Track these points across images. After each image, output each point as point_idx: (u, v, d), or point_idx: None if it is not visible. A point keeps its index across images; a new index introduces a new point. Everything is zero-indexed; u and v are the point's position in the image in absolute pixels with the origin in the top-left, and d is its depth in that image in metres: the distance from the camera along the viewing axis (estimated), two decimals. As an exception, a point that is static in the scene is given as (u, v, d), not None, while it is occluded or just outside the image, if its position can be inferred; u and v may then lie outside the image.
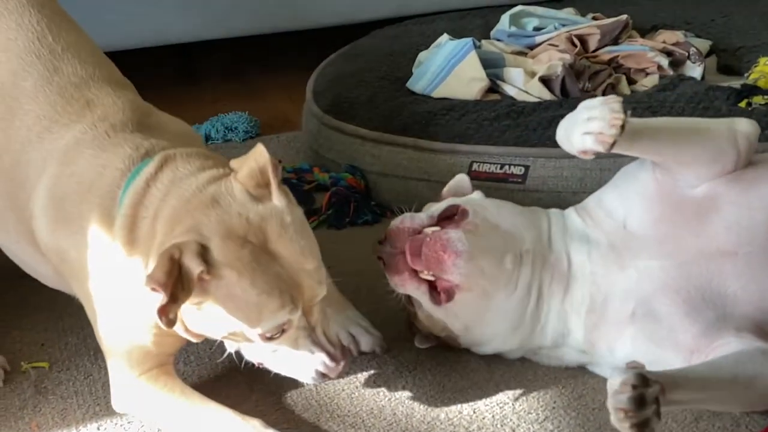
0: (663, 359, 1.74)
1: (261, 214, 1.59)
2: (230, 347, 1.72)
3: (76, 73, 1.85)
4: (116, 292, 1.71)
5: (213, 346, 1.90)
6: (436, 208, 1.92)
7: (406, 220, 1.86)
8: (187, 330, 1.65)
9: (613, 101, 1.64)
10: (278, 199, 1.60)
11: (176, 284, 1.49)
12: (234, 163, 1.67)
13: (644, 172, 1.81)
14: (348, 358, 1.73)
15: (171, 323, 1.51)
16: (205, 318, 1.61)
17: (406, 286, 1.83)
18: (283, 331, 1.62)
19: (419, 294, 1.84)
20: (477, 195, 2.00)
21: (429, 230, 1.83)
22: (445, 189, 2.06)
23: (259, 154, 1.61)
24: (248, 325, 1.59)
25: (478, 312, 1.84)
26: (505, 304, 1.83)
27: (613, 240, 1.81)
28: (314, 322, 1.66)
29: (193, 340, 1.69)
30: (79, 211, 1.71)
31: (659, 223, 1.78)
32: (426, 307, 1.85)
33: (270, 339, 1.62)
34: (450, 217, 1.88)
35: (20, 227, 1.84)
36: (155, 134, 1.78)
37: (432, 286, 1.83)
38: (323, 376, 1.68)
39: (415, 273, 1.82)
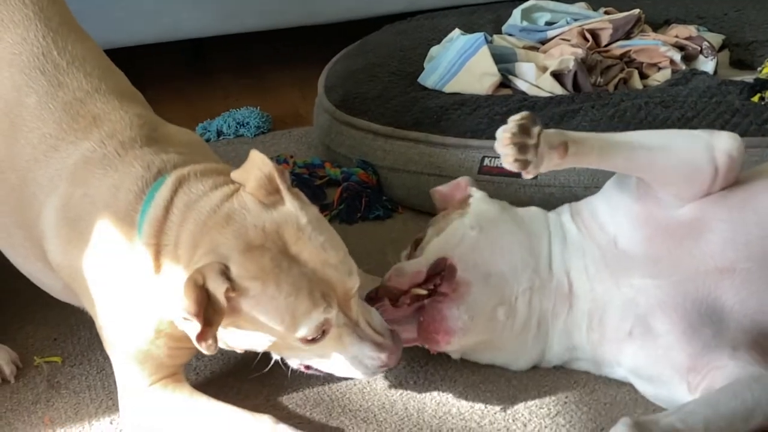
0: (662, 376, 1.74)
1: (276, 220, 1.59)
2: (275, 355, 1.71)
3: (81, 87, 1.82)
4: (134, 311, 1.71)
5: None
6: (424, 260, 1.84)
7: (393, 278, 1.81)
8: (230, 347, 1.66)
9: (512, 119, 1.64)
10: (291, 202, 1.60)
11: (207, 309, 1.51)
12: (236, 175, 1.66)
13: (628, 190, 1.79)
14: (401, 342, 1.70)
15: (212, 348, 1.53)
16: (245, 335, 1.61)
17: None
18: (324, 333, 1.61)
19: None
20: (478, 195, 1.98)
21: (419, 290, 1.81)
22: (441, 188, 2.07)
23: (262, 163, 1.61)
24: (286, 332, 1.58)
25: (475, 352, 1.87)
26: (503, 341, 1.83)
27: (606, 256, 1.79)
28: (355, 316, 1.65)
29: (239, 351, 1.69)
30: (96, 233, 1.70)
31: (650, 243, 1.75)
32: None
33: (313, 341, 1.61)
34: (438, 272, 1.82)
35: (28, 243, 1.83)
36: (164, 147, 1.76)
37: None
38: (381, 367, 1.67)
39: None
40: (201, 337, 1.51)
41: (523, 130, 1.63)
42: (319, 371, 1.72)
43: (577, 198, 1.99)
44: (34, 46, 1.84)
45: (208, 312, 1.51)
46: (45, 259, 1.81)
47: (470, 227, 1.88)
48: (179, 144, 1.81)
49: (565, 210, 1.92)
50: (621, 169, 1.78)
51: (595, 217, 1.84)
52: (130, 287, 1.69)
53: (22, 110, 1.81)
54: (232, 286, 1.53)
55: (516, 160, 1.63)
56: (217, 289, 1.51)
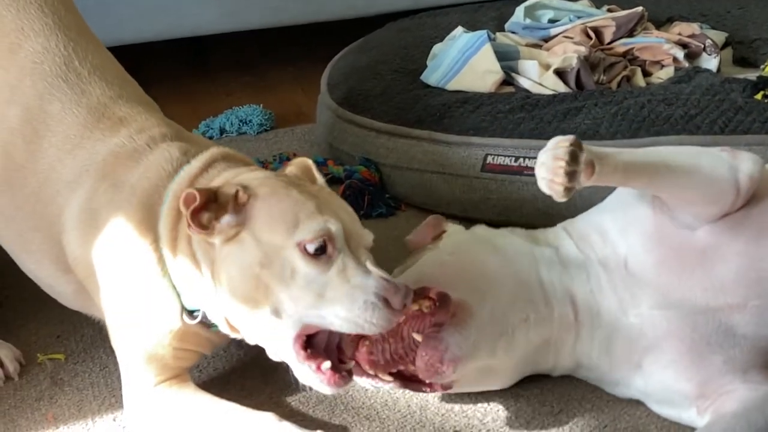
0: (672, 401, 1.73)
1: (300, 178, 1.71)
2: (274, 355, 1.66)
3: (104, 94, 1.84)
4: (142, 300, 1.72)
5: (230, 339, 1.91)
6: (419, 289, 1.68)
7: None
8: (229, 290, 1.60)
9: (561, 145, 1.52)
10: (322, 181, 1.73)
11: (211, 197, 1.56)
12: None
13: (643, 208, 1.73)
14: (411, 295, 1.56)
15: (202, 227, 1.56)
16: (240, 257, 1.57)
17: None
18: (324, 251, 1.55)
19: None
20: (453, 228, 1.92)
21: (416, 335, 1.67)
22: (412, 236, 1.97)
23: (302, 161, 1.77)
24: (286, 237, 1.55)
25: (476, 383, 1.80)
26: (503, 370, 1.78)
27: (614, 280, 1.74)
28: (364, 259, 1.59)
29: (232, 334, 1.68)
30: (115, 217, 1.71)
31: (661, 268, 1.70)
32: None
33: (314, 258, 1.54)
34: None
35: (45, 246, 1.83)
36: (195, 143, 1.82)
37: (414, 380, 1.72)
38: (387, 305, 1.52)
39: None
40: (195, 212, 1.55)
41: (573, 156, 1.52)
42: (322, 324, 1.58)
43: (580, 196, 1.97)
44: (56, 56, 1.86)
45: (211, 198, 1.56)
46: (59, 261, 1.81)
47: (447, 254, 1.82)
48: (206, 146, 1.83)
49: (558, 231, 1.85)
50: (642, 188, 1.72)
51: (603, 236, 1.78)
52: (143, 279, 1.70)
53: (45, 117, 1.82)
54: (244, 189, 1.58)
55: (566, 189, 1.52)
56: (229, 189, 1.58)
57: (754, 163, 1.68)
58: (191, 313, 1.71)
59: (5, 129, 1.84)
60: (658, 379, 1.73)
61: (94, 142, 1.78)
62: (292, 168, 1.76)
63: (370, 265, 1.58)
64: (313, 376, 1.59)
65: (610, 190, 1.84)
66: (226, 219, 1.58)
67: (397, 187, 2.57)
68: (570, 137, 1.53)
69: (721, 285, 1.68)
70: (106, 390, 1.93)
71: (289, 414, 1.79)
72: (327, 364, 1.59)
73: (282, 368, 1.75)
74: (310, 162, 1.77)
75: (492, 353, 1.72)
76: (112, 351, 2.02)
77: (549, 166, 1.52)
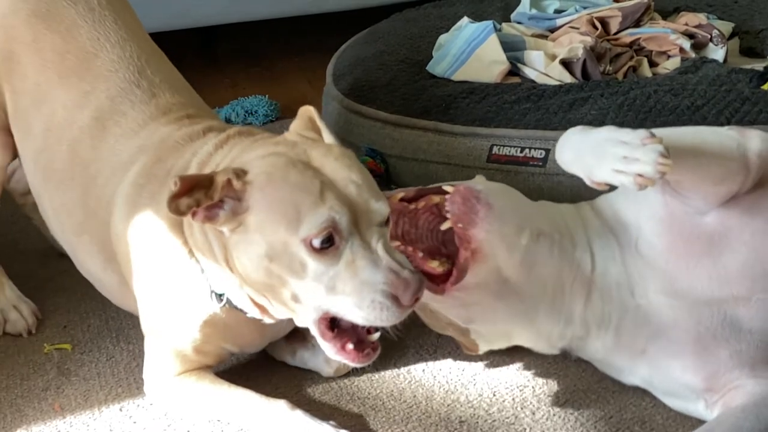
0: (678, 393, 1.73)
1: (306, 142, 1.62)
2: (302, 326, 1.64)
3: (173, 99, 1.90)
4: (172, 282, 1.72)
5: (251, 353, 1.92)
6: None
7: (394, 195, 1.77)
8: (244, 277, 1.60)
9: (655, 141, 1.51)
10: (328, 137, 1.66)
11: (198, 184, 1.51)
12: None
13: (653, 192, 1.71)
14: (423, 286, 1.53)
15: (176, 211, 1.51)
16: (251, 249, 1.55)
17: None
18: (331, 243, 1.51)
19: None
20: (479, 178, 1.95)
21: (448, 187, 1.73)
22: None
23: (305, 108, 1.70)
24: (290, 233, 1.51)
25: (487, 300, 1.75)
26: (515, 293, 1.74)
27: (626, 258, 1.74)
28: (373, 243, 1.53)
29: (260, 316, 1.66)
30: (153, 194, 1.73)
31: (670, 255, 1.70)
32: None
33: (321, 253, 1.51)
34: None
35: (97, 233, 1.85)
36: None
37: (432, 277, 1.72)
38: (395, 302, 1.50)
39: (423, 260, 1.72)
40: (173, 198, 1.50)
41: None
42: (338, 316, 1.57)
43: (585, 186, 1.98)
44: (131, 64, 1.92)
45: (196, 186, 1.51)
46: (106, 249, 1.83)
47: (477, 178, 1.87)
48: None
49: (584, 205, 1.86)
50: None
51: (617, 218, 1.78)
52: (172, 260, 1.70)
53: (114, 114, 1.87)
54: (238, 176, 1.53)
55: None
56: (221, 176, 1.53)
57: (762, 140, 1.65)
58: (220, 297, 1.70)
59: (75, 128, 1.89)
60: (664, 370, 1.72)
61: (157, 126, 1.83)
62: (297, 122, 1.71)
63: (381, 251, 1.52)
64: (337, 354, 1.60)
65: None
66: (228, 206, 1.54)
67: (402, 178, 2.56)
68: (645, 132, 1.53)
69: (726, 275, 1.67)
70: (113, 380, 1.93)
71: (295, 404, 1.79)
72: (350, 346, 1.59)
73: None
74: (312, 111, 1.70)
75: (519, 232, 1.71)
76: (119, 341, 2.03)
77: (650, 161, 1.50)
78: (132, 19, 2.05)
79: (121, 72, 1.90)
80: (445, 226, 1.72)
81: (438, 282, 1.71)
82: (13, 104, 1.98)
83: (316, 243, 1.51)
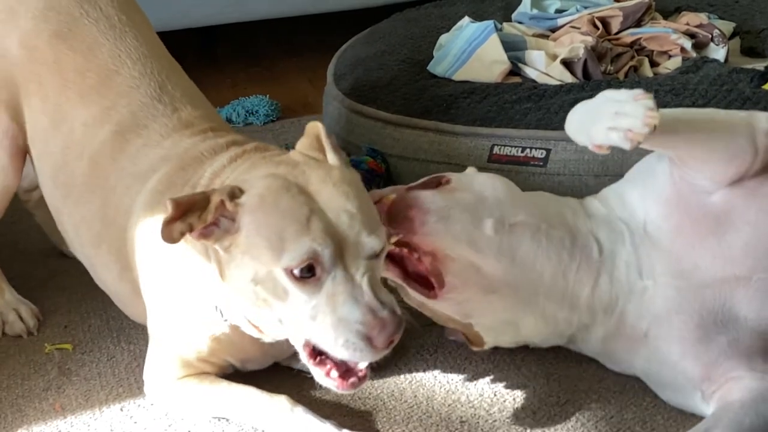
0: (675, 383, 1.73)
1: (309, 163, 1.61)
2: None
3: (195, 113, 1.91)
4: (178, 291, 1.73)
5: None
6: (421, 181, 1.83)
7: (375, 194, 1.78)
8: (235, 290, 1.60)
9: (646, 97, 1.54)
10: (332, 158, 1.63)
11: (192, 207, 1.51)
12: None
13: (661, 173, 1.74)
14: (401, 328, 1.52)
15: (169, 238, 1.51)
16: (240, 270, 1.56)
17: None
18: (312, 273, 1.50)
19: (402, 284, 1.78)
20: (470, 169, 1.97)
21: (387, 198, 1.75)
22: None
23: (312, 125, 1.69)
24: (273, 259, 1.51)
25: (477, 296, 1.75)
26: (506, 284, 1.74)
27: (634, 239, 1.76)
28: (358, 277, 1.52)
29: (255, 334, 1.67)
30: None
31: (676, 235, 1.72)
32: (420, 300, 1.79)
33: (301, 281, 1.50)
34: (436, 185, 1.80)
35: (115, 242, 1.84)
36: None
37: (420, 282, 1.75)
38: (369, 344, 1.50)
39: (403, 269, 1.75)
40: (167, 223, 1.50)
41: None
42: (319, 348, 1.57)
43: (586, 186, 1.99)
44: (152, 80, 1.93)
45: (190, 209, 1.51)
46: (121, 257, 1.83)
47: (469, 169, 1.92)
48: None
49: (589, 197, 1.88)
50: (661, 147, 1.71)
51: (624, 203, 1.80)
52: (179, 267, 1.70)
53: (136, 127, 1.88)
54: (231, 197, 1.53)
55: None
56: (216, 197, 1.53)
57: None
58: (221, 312, 1.70)
59: (96, 143, 1.89)
60: (663, 356, 1.73)
61: (181, 137, 1.83)
62: (304, 141, 1.70)
63: (365, 285, 1.51)
64: (323, 379, 1.59)
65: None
66: (223, 225, 1.54)
67: (403, 178, 2.56)
68: (640, 90, 1.56)
69: (729, 254, 1.69)
70: (114, 380, 1.93)
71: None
72: (334, 374, 1.58)
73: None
74: (319, 129, 1.68)
75: (478, 224, 1.72)
76: (119, 341, 2.03)
77: (639, 115, 1.52)
78: (151, 35, 2.05)
79: (142, 88, 1.91)
80: (393, 240, 1.72)
81: (430, 288, 1.73)
82: (32, 125, 1.98)
83: (297, 273, 1.51)
